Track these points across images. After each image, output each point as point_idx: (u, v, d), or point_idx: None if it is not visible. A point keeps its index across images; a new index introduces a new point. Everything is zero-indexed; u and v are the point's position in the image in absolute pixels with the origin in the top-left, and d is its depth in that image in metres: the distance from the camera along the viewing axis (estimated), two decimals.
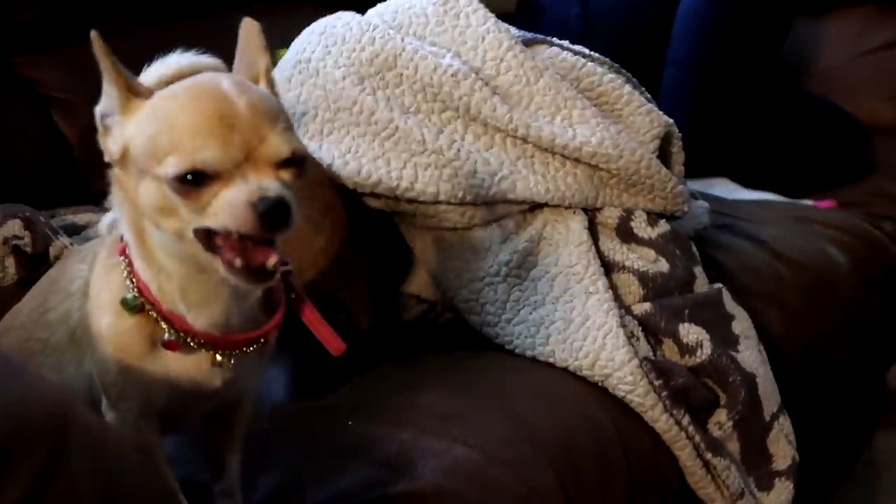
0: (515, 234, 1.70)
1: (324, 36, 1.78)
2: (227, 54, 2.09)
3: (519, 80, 1.72)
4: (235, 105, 1.01)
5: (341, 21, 1.79)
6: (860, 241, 2.26)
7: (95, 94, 1.83)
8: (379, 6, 1.87)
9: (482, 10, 1.77)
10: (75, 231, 1.84)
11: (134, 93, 1.06)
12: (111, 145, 1.06)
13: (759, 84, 2.51)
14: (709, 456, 1.55)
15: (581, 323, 1.60)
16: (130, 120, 1.05)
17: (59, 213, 1.88)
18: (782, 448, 1.65)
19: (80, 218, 1.88)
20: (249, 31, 1.16)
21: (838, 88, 2.77)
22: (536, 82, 1.71)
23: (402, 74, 1.70)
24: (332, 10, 2.38)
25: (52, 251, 1.73)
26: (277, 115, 1.05)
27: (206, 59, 1.48)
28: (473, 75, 1.69)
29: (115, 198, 1.10)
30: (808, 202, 2.44)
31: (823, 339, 2.01)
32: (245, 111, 1.01)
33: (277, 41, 2.18)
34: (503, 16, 2.50)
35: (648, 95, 1.83)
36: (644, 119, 1.76)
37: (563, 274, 1.65)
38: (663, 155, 1.80)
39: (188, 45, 1.98)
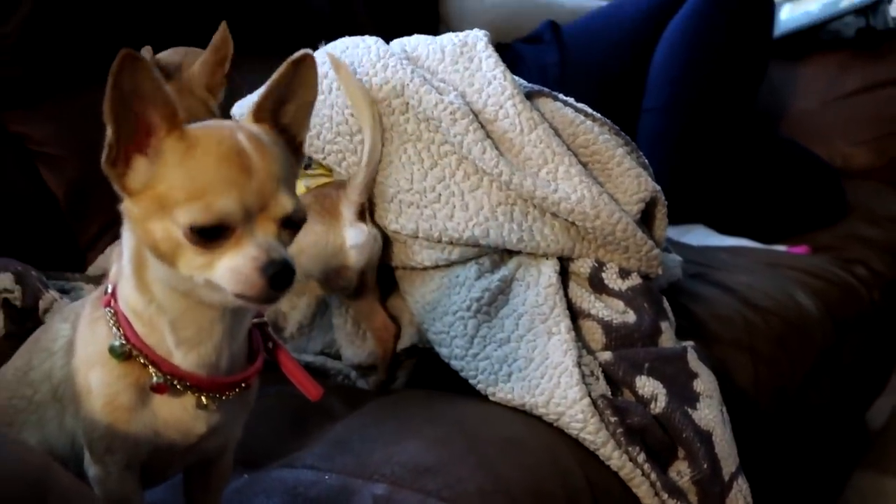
0: (490, 272, 1.75)
1: (344, 54, 1.85)
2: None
3: (514, 128, 1.78)
4: (253, 159, 1.07)
5: (364, 44, 1.88)
6: (832, 286, 2.31)
7: (83, 148, 1.88)
8: (405, 37, 1.97)
9: (495, 58, 1.85)
10: (65, 292, 1.87)
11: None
12: (132, 180, 1.08)
13: (735, 130, 2.56)
14: (665, 496, 1.58)
15: (540, 362, 1.64)
16: (158, 159, 1.07)
17: (50, 275, 1.89)
18: None
19: (73, 286, 1.91)
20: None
21: (812, 132, 2.84)
22: (530, 133, 1.77)
23: (407, 104, 1.78)
24: None
25: (42, 304, 1.76)
26: (288, 172, 1.11)
27: None
28: (471, 116, 1.77)
29: (123, 228, 1.13)
30: (782, 248, 2.48)
31: (795, 384, 2.06)
32: (261, 166, 1.07)
33: (259, 85, 2.25)
34: None
35: (645, 161, 1.88)
36: (632, 182, 1.80)
37: (529, 314, 1.70)
38: (648, 218, 1.85)
39: None
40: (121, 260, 1.18)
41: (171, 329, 1.13)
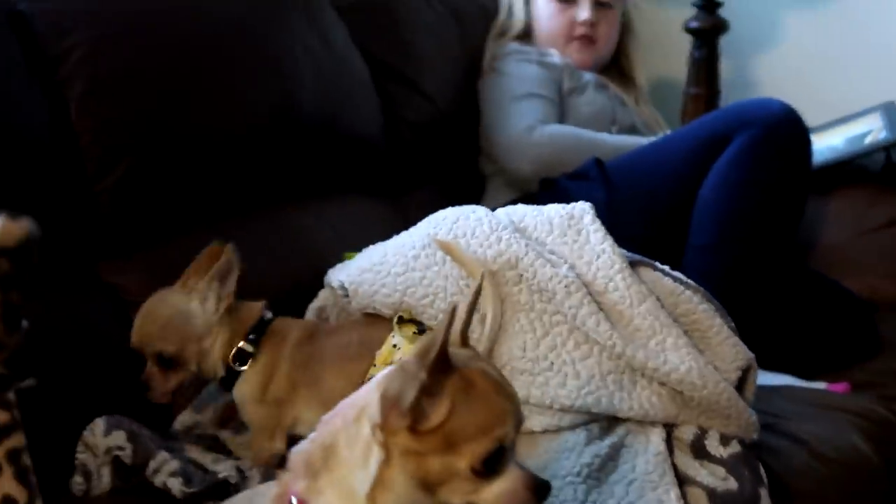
0: (599, 438, 1.82)
1: (456, 225, 1.95)
2: (280, 249, 2.24)
3: (623, 301, 1.87)
4: (509, 387, 1.20)
5: (475, 215, 1.96)
6: (878, 426, 2.35)
7: None
8: (509, 207, 2.05)
9: (602, 232, 1.96)
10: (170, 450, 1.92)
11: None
12: (433, 418, 1.16)
13: (778, 266, 2.64)
14: None
15: None
16: (441, 398, 1.16)
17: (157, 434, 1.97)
18: None
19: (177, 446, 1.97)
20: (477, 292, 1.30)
21: (842, 266, 2.91)
22: (639, 305, 1.86)
23: (521, 276, 1.86)
24: (376, 199, 2.56)
25: (153, 464, 1.82)
26: None
27: None
28: (584, 289, 1.85)
29: (369, 456, 1.20)
30: (822, 385, 2.54)
31: None
32: (514, 391, 1.21)
33: (327, 229, 2.33)
34: (525, 196, 2.65)
35: (733, 325, 1.96)
36: (731, 350, 1.90)
37: (640, 481, 1.76)
38: (741, 383, 1.92)
39: (252, 243, 2.13)
40: (315, 478, 1.24)
41: None
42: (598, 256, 1.92)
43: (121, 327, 2.02)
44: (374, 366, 1.90)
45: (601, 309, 1.86)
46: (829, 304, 2.74)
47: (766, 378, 2.55)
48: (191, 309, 1.92)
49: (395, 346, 1.89)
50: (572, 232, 1.97)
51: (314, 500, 1.23)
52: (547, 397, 1.80)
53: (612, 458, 1.80)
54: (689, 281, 1.98)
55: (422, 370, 1.15)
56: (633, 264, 1.95)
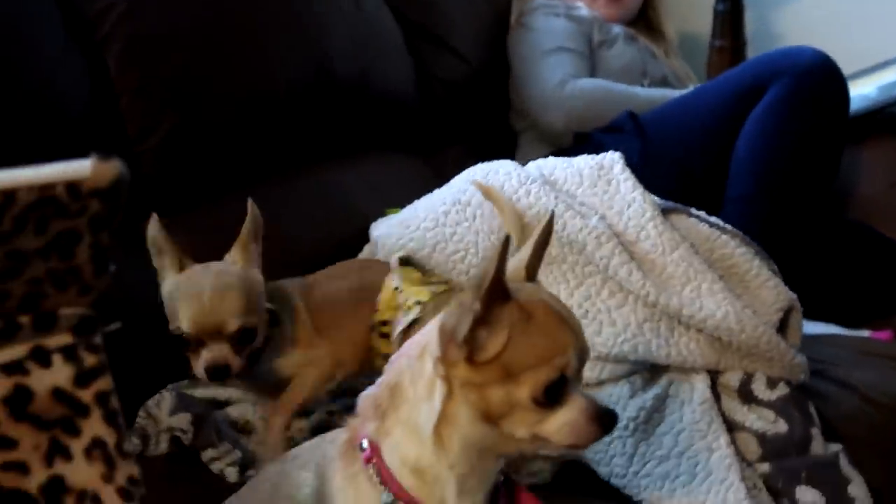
0: (642, 390, 1.81)
1: (486, 180, 1.94)
2: (320, 206, 2.24)
3: (655, 249, 1.85)
4: (571, 319, 1.19)
5: (503, 170, 1.96)
6: None
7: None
8: (540, 160, 2.04)
9: (633, 181, 1.94)
10: (217, 406, 1.93)
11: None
12: (480, 352, 1.16)
13: (816, 215, 2.63)
14: None
15: (704, 478, 1.71)
16: (498, 328, 1.15)
17: (191, 385, 1.96)
18: None
19: (219, 393, 1.96)
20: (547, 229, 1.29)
21: (875, 215, 2.90)
22: (671, 253, 1.85)
23: None
24: (412, 156, 2.56)
25: (212, 452, 1.81)
26: None
27: None
28: (615, 239, 1.84)
29: (433, 391, 1.19)
30: (866, 333, 2.54)
31: None
32: (577, 323, 1.20)
33: (366, 186, 2.33)
34: (559, 151, 2.64)
35: (775, 267, 1.95)
36: (771, 292, 1.89)
37: (688, 430, 1.76)
38: (783, 325, 1.91)
39: (293, 200, 2.12)
40: (383, 419, 1.24)
41: (457, 483, 1.20)
42: (629, 206, 1.91)
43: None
44: (377, 311, 1.84)
45: (633, 258, 1.85)
46: (868, 252, 2.74)
47: (809, 327, 2.54)
48: (253, 276, 1.77)
49: (396, 288, 1.84)
50: (602, 182, 1.96)
51: (383, 440, 1.23)
52: None
53: (657, 410, 1.79)
54: (726, 226, 1.97)
55: (476, 301, 1.15)
56: (666, 212, 1.94)
